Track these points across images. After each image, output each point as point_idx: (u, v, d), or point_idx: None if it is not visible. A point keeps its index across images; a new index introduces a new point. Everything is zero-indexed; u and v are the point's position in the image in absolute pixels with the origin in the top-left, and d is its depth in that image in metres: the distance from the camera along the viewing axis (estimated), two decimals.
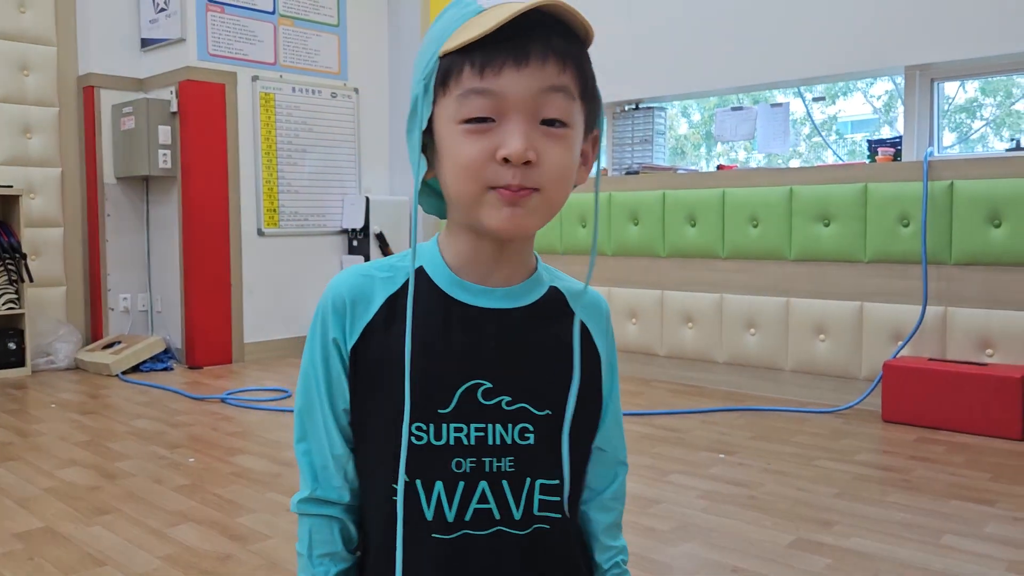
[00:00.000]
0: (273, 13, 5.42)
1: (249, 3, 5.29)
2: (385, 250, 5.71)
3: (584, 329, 0.81)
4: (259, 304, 5.38)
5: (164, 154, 5.10)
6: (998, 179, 3.57)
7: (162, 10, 5.21)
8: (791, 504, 2.65)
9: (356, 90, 5.86)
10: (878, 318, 3.90)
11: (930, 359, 3.70)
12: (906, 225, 3.81)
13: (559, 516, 0.76)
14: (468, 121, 0.70)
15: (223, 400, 4.21)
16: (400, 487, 0.73)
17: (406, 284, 0.76)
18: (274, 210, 5.46)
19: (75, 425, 3.76)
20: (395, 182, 6.05)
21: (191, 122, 5.07)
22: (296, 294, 5.57)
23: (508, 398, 0.75)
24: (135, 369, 4.94)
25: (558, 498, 0.76)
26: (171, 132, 5.11)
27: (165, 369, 5.04)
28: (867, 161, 4.08)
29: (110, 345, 5.08)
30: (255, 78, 5.33)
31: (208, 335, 5.17)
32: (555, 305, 0.80)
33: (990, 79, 5.04)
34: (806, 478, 2.92)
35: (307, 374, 0.79)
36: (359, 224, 5.68)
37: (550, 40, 0.69)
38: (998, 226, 3.58)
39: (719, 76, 4.56)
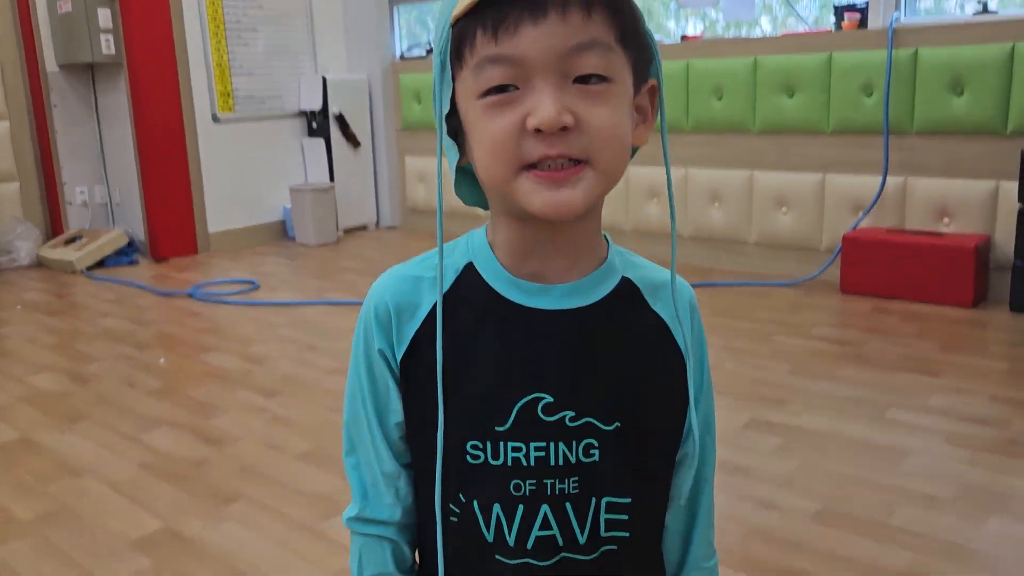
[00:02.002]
0: None
1: None
2: (346, 131, 5.57)
3: (662, 324, 0.71)
4: (222, 191, 5.29)
5: (106, 39, 4.85)
6: (963, 46, 3.51)
7: None
8: (747, 383, 2.75)
9: None
10: (840, 189, 3.92)
11: (889, 229, 3.75)
12: (869, 95, 3.77)
13: (627, 536, 0.69)
14: (488, 93, 0.60)
15: (191, 295, 4.21)
16: (437, 508, 0.68)
17: (457, 283, 0.69)
18: (228, 94, 5.28)
19: (43, 327, 3.77)
20: (352, 60, 5.83)
21: (133, 4, 4.81)
22: (259, 180, 5.47)
23: (572, 413, 0.66)
24: (99, 264, 4.90)
25: (626, 516, 0.69)
26: (111, 15, 4.85)
27: (130, 263, 5.00)
28: (832, 29, 3.98)
29: (71, 240, 5.01)
30: None
31: (171, 226, 5.11)
32: (627, 300, 0.70)
33: None
34: (763, 355, 3.01)
35: (352, 386, 0.72)
36: (317, 106, 5.51)
37: None
38: (960, 94, 3.55)
39: None
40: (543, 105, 0.58)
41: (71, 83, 5.15)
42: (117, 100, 5.08)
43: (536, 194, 0.61)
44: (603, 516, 0.68)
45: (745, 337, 3.21)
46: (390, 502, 0.73)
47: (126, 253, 5.04)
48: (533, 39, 0.58)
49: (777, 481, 2.09)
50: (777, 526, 1.89)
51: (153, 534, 1.97)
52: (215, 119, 5.23)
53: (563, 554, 0.68)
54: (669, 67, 4.30)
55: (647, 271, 0.73)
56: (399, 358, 0.69)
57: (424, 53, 5.64)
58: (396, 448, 0.72)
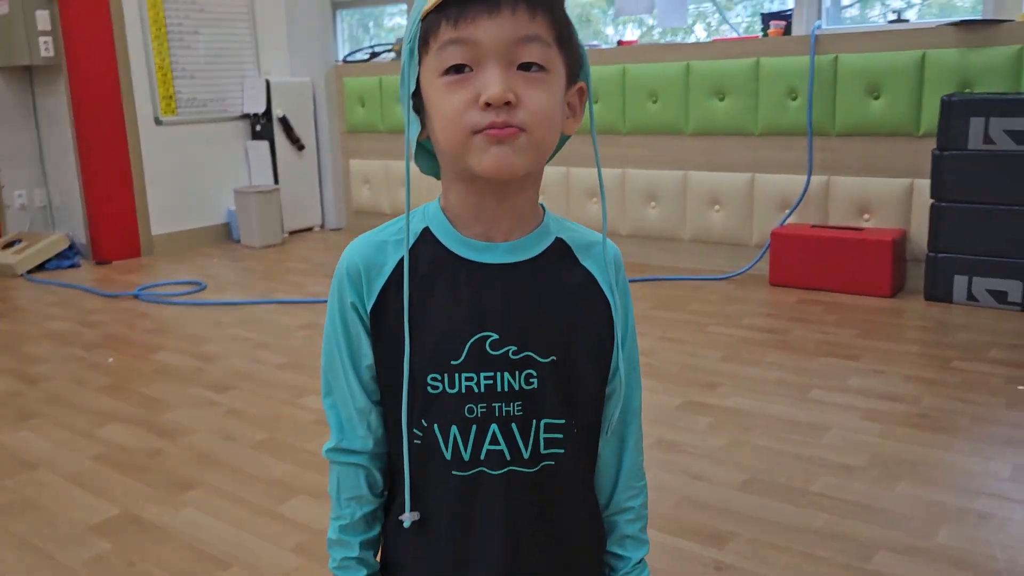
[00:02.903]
0: None
1: None
2: (290, 134, 5.62)
3: (591, 277, 0.84)
4: (165, 194, 5.29)
5: (45, 41, 4.82)
6: (879, 52, 3.75)
7: None
8: (681, 369, 2.91)
9: None
10: (768, 188, 4.13)
11: (813, 225, 3.97)
12: (794, 98, 3.99)
13: (562, 452, 0.81)
14: (447, 72, 0.73)
15: (136, 296, 4.22)
16: (404, 430, 0.80)
17: (416, 244, 0.81)
18: (170, 97, 5.28)
19: None
20: (295, 63, 5.88)
21: (72, 6, 4.79)
22: (203, 182, 5.48)
23: (514, 347, 0.79)
24: (40, 268, 4.86)
25: (561, 435, 0.81)
26: (50, 17, 4.82)
27: (72, 266, 4.97)
28: (760, 35, 4.19)
29: (10, 244, 4.95)
30: None
31: (113, 228, 5.09)
32: (560, 256, 0.83)
33: None
34: (697, 343, 3.18)
35: (329, 336, 0.84)
36: (261, 108, 5.54)
37: None
38: (877, 98, 3.78)
39: None
40: (492, 83, 0.72)
41: (8, 85, 5.10)
42: (57, 103, 5.04)
43: (484, 152, 0.73)
44: (543, 435, 0.81)
45: (680, 328, 3.38)
46: (363, 434, 0.85)
47: (67, 256, 5.01)
48: (487, 29, 0.72)
49: (708, 456, 2.25)
50: (707, 495, 2.04)
51: (112, 519, 2.03)
52: (158, 122, 5.22)
53: (510, 467, 0.80)
54: (607, 71, 4.47)
55: (579, 233, 0.86)
56: (368, 309, 0.82)
57: (367, 56, 5.72)
58: (367, 387, 0.84)
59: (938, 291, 3.57)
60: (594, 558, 0.90)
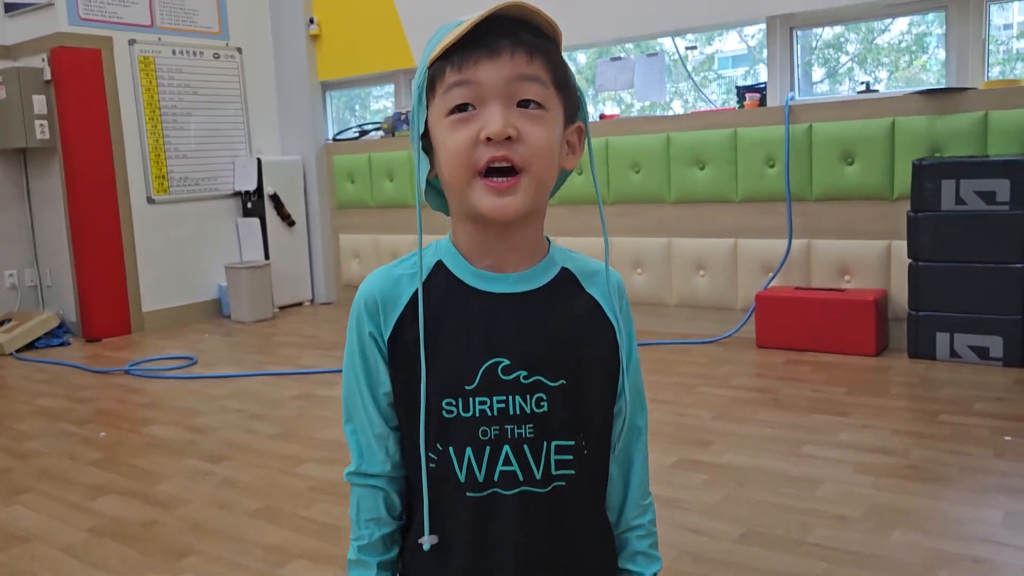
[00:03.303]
0: None
1: None
2: (280, 211, 5.72)
3: (596, 304, 0.89)
4: (156, 272, 5.34)
5: (41, 124, 4.94)
6: (851, 120, 3.91)
7: None
8: (673, 429, 2.94)
9: (239, 50, 5.77)
10: (751, 253, 4.23)
11: (796, 288, 4.06)
12: (772, 166, 4.13)
13: (573, 473, 0.85)
14: (452, 112, 0.80)
15: (127, 372, 4.22)
16: (421, 449, 0.85)
17: (430, 276, 0.86)
18: (163, 176, 5.38)
19: None
20: (286, 142, 6.02)
21: (67, 90, 4.92)
22: (194, 259, 5.54)
23: (525, 372, 0.83)
24: (29, 347, 4.86)
25: (571, 457, 0.85)
26: (46, 101, 4.95)
27: (61, 344, 4.97)
28: (736, 107, 4.36)
29: (0, 324, 4.96)
30: (132, 42, 5.19)
31: (104, 306, 5.11)
32: (566, 285, 0.89)
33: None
34: (688, 404, 3.22)
35: (348, 365, 0.89)
36: (252, 186, 5.65)
37: (518, 35, 0.79)
38: (851, 164, 3.93)
39: (597, 27, 4.73)
40: (493, 120, 0.79)
41: (2, 167, 5.19)
42: (50, 183, 5.13)
43: (486, 198, 0.80)
44: (553, 457, 0.85)
45: (670, 389, 3.42)
46: (381, 459, 0.89)
47: (56, 335, 5.01)
48: (488, 70, 0.79)
49: (704, 511, 2.26)
50: (706, 548, 2.05)
51: None
52: (150, 201, 5.31)
53: (523, 487, 0.84)
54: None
55: (583, 262, 0.93)
56: (386, 338, 0.87)
57: (356, 135, 5.87)
58: (385, 414, 0.89)
59: (921, 348, 3.64)
60: (610, 572, 0.93)
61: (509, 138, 0.78)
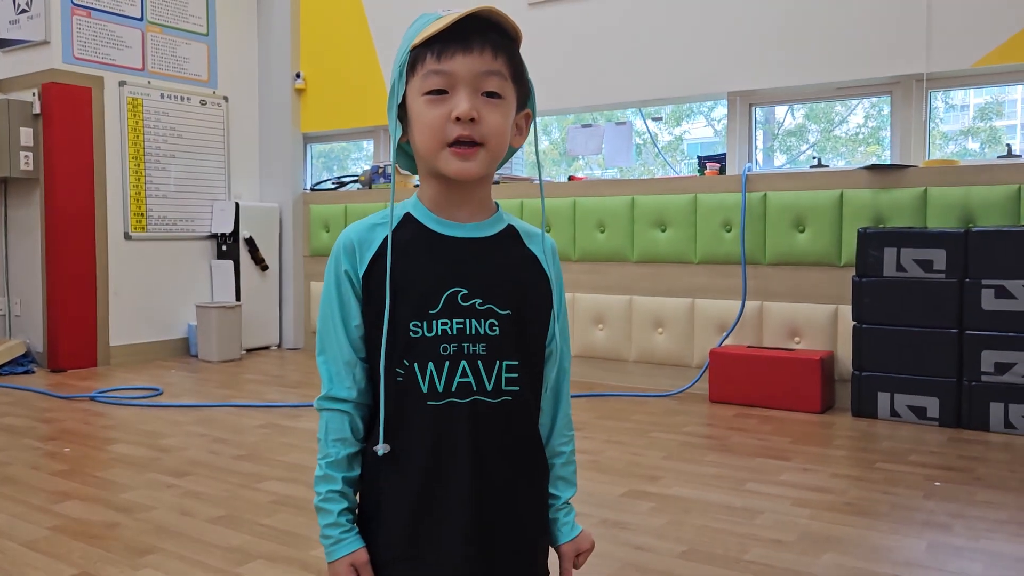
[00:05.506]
0: (141, 20, 5.48)
1: (116, 8, 5.34)
2: (255, 255, 5.84)
3: (534, 257, 1.07)
4: (127, 307, 5.40)
5: (26, 156, 5.06)
6: (803, 191, 4.18)
7: (23, 11, 5.18)
8: (625, 465, 3.06)
9: (226, 98, 5.97)
10: (707, 312, 4.43)
11: (749, 346, 4.25)
12: (729, 230, 4.37)
13: (518, 389, 1.01)
14: (429, 93, 0.97)
15: (92, 398, 4.26)
16: (382, 366, 1.00)
17: (400, 225, 1.03)
18: (142, 214, 5.50)
19: None
20: (265, 189, 6.19)
21: (55, 125, 5.07)
22: (165, 297, 5.62)
23: (480, 300, 1.00)
24: None
25: (516, 375, 1.01)
26: (33, 134, 5.09)
27: (26, 372, 4.99)
28: (697, 174, 4.63)
29: None
30: (122, 83, 5.37)
31: (72, 338, 5.15)
32: (511, 237, 1.07)
33: (813, 106, 5.76)
34: (640, 445, 3.35)
35: (324, 302, 1.04)
36: (228, 229, 5.78)
37: (487, 36, 0.97)
38: (802, 231, 4.18)
39: (567, 96, 5.00)
40: (462, 104, 0.97)
41: None
42: (29, 214, 5.22)
43: (452, 163, 0.99)
44: (503, 374, 1.02)
45: (625, 433, 3.55)
46: (348, 384, 1.04)
47: (21, 363, 5.04)
48: (461, 63, 0.98)
49: (649, 532, 2.38)
50: (649, 561, 2.17)
51: None
52: (127, 237, 5.42)
53: (476, 396, 1.00)
54: (559, 203, 4.84)
55: (525, 226, 1.11)
56: (361, 275, 1.03)
57: (334, 186, 6.06)
58: (355, 344, 1.04)
59: (864, 407, 3.83)
60: (543, 483, 1.09)
61: (473, 119, 0.97)
